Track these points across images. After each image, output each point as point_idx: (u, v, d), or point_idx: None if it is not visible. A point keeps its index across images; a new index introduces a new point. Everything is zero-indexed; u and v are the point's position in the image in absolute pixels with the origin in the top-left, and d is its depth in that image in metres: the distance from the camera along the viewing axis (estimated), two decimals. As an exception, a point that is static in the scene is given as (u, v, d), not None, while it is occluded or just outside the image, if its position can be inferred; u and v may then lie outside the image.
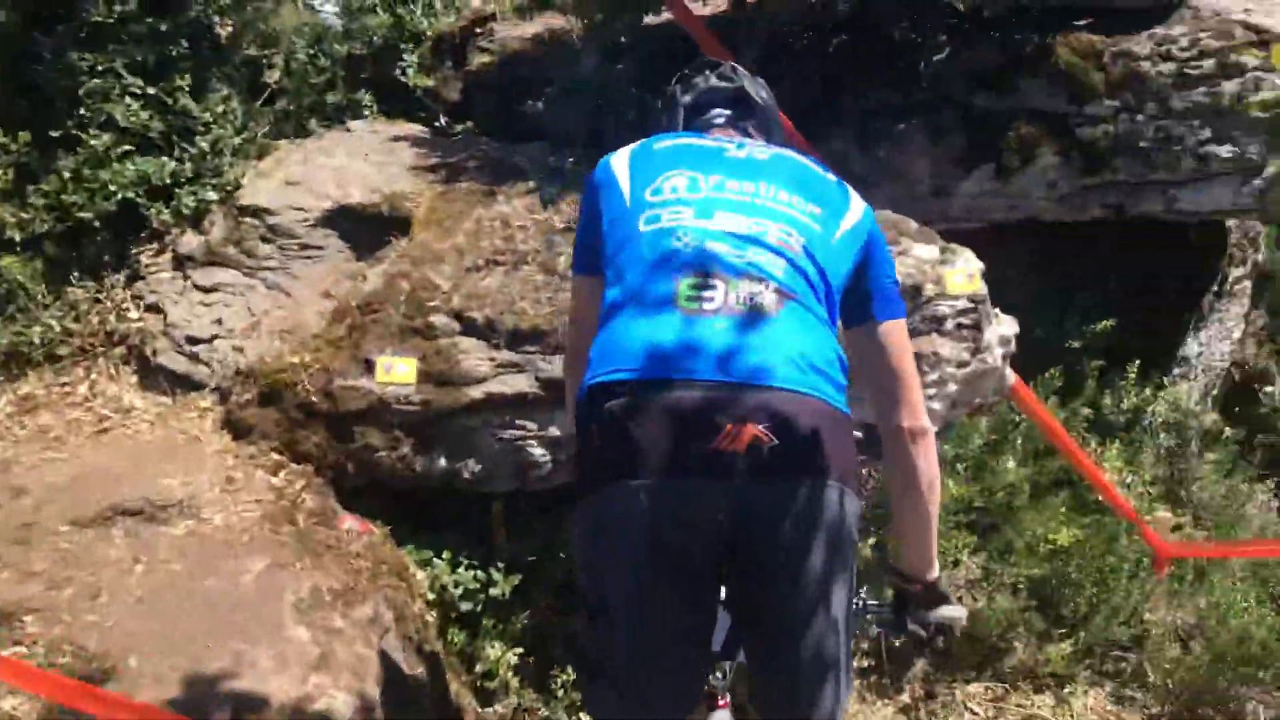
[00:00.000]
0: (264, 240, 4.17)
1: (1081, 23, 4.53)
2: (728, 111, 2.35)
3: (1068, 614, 4.35)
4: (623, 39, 4.61)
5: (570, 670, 3.60)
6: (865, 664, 4.24)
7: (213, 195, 4.24)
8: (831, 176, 2.21)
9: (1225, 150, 4.31)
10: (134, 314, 3.99)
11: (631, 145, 2.22)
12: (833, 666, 1.92)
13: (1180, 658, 4.28)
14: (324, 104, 5.41)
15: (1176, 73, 4.32)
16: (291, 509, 3.22)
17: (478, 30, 5.47)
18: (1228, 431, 5.16)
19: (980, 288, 3.62)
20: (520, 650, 3.60)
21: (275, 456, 3.43)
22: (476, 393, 3.40)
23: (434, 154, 4.57)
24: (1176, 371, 5.46)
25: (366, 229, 4.18)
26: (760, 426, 1.79)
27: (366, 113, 5.36)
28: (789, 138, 3.22)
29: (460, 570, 3.52)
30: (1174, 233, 5.07)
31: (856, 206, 2.17)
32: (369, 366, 3.45)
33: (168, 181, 4.16)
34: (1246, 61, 4.28)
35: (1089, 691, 4.33)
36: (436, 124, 5.25)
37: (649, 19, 4.73)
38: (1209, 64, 4.30)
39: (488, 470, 3.48)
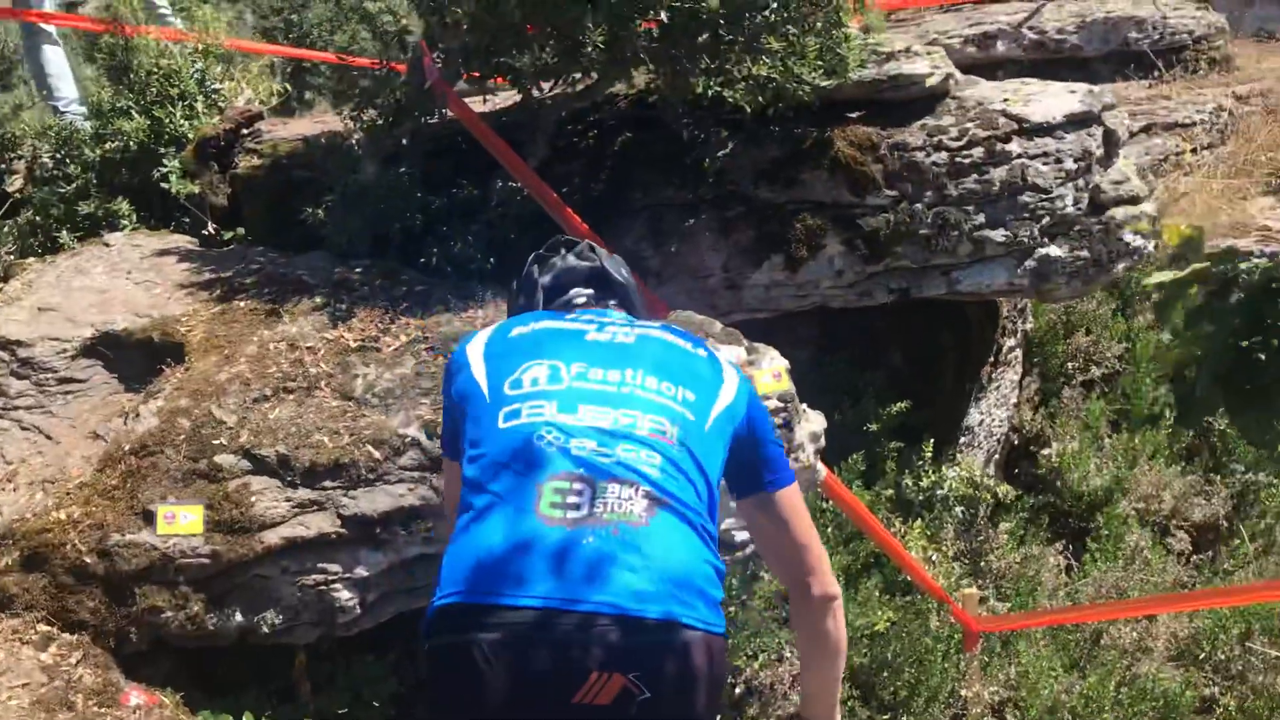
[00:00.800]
0: (16, 376, 3.78)
1: (855, 115, 4.67)
2: (589, 291, 2.30)
3: (888, 699, 4.38)
4: (403, 141, 4.43)
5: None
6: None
7: (-48, 328, 3.81)
8: (703, 352, 2.13)
9: (999, 234, 4.51)
10: None
11: (488, 330, 2.17)
12: None
13: (996, 737, 4.37)
14: (75, 214, 5.01)
15: (949, 161, 4.49)
16: (66, 690, 2.85)
17: (244, 131, 5.18)
18: (1011, 496, 5.37)
19: (788, 386, 3.62)
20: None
21: (43, 628, 3.04)
22: (273, 538, 3.12)
23: (205, 269, 4.26)
24: (962, 441, 5.65)
25: (134, 358, 3.84)
26: (630, 676, 1.64)
27: (125, 223, 4.98)
28: (652, 309, 3.16)
29: (263, 733, 3.22)
30: (950, 308, 5.28)
31: (730, 382, 2.08)
32: (148, 518, 3.12)
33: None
34: (1012, 149, 4.50)
35: (914, 774, 4.36)
36: (205, 232, 4.92)
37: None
38: (978, 152, 4.50)
39: (289, 621, 3.20)
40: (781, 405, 3.58)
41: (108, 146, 5.09)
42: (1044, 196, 4.54)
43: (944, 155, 4.53)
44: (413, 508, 3.22)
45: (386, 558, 3.24)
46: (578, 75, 4.37)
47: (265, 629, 3.18)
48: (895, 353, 5.32)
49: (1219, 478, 5.84)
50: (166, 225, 5.11)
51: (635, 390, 1.94)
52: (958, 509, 5.01)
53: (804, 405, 3.75)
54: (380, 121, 4.29)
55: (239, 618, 3.15)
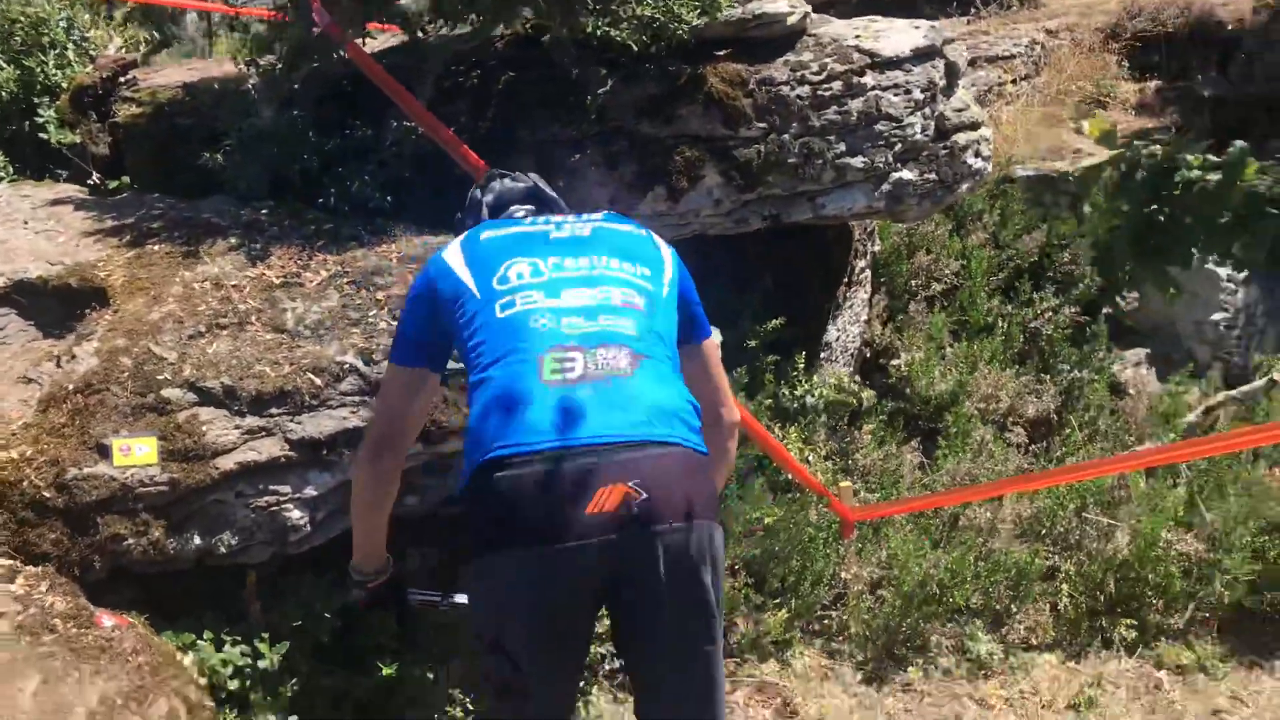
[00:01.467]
0: (-71, 327, 3.79)
1: (724, 53, 5.00)
2: (528, 205, 2.63)
3: (777, 585, 4.83)
4: (295, 86, 4.55)
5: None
6: (610, 665, 4.49)
7: None
8: (642, 231, 2.51)
9: (858, 161, 4.93)
10: None
11: (457, 239, 2.44)
12: (719, 684, 2.16)
13: (875, 607, 4.87)
14: (-51, 166, 4.93)
15: (811, 95, 4.88)
16: (43, 616, 2.98)
17: (121, 80, 5.17)
18: (872, 400, 5.88)
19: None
20: (294, 717, 3.55)
21: (5, 562, 3.15)
22: (227, 463, 3.31)
23: (107, 217, 4.31)
24: (823, 355, 6.12)
25: (50, 305, 3.90)
26: (630, 484, 1.99)
27: (1, 174, 4.94)
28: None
29: (227, 648, 3.41)
30: (811, 234, 5.71)
31: (667, 254, 2.48)
32: (104, 451, 3.25)
33: None
34: (867, 83, 4.92)
35: (804, 652, 4.82)
36: (90, 182, 4.93)
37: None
38: (837, 85, 4.90)
39: (244, 541, 3.40)
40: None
41: (-22, 97, 5.02)
42: (896, 125, 4.98)
43: (807, 89, 4.91)
44: (356, 429, 3.44)
45: (334, 477, 3.46)
46: (472, 16, 4.56)
47: (222, 550, 3.36)
48: (766, 276, 5.71)
49: (1048, 377, 6.49)
50: (42, 176, 5.09)
51: (604, 271, 2.29)
52: (824, 415, 5.48)
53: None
54: (280, 66, 4.39)
55: (197, 541, 3.33)
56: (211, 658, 3.37)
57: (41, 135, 4.89)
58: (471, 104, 4.98)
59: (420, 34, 4.75)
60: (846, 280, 6.22)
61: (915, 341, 6.47)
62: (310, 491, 3.42)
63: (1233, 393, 6.14)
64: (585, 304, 2.21)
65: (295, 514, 3.42)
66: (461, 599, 2.56)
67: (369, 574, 2.58)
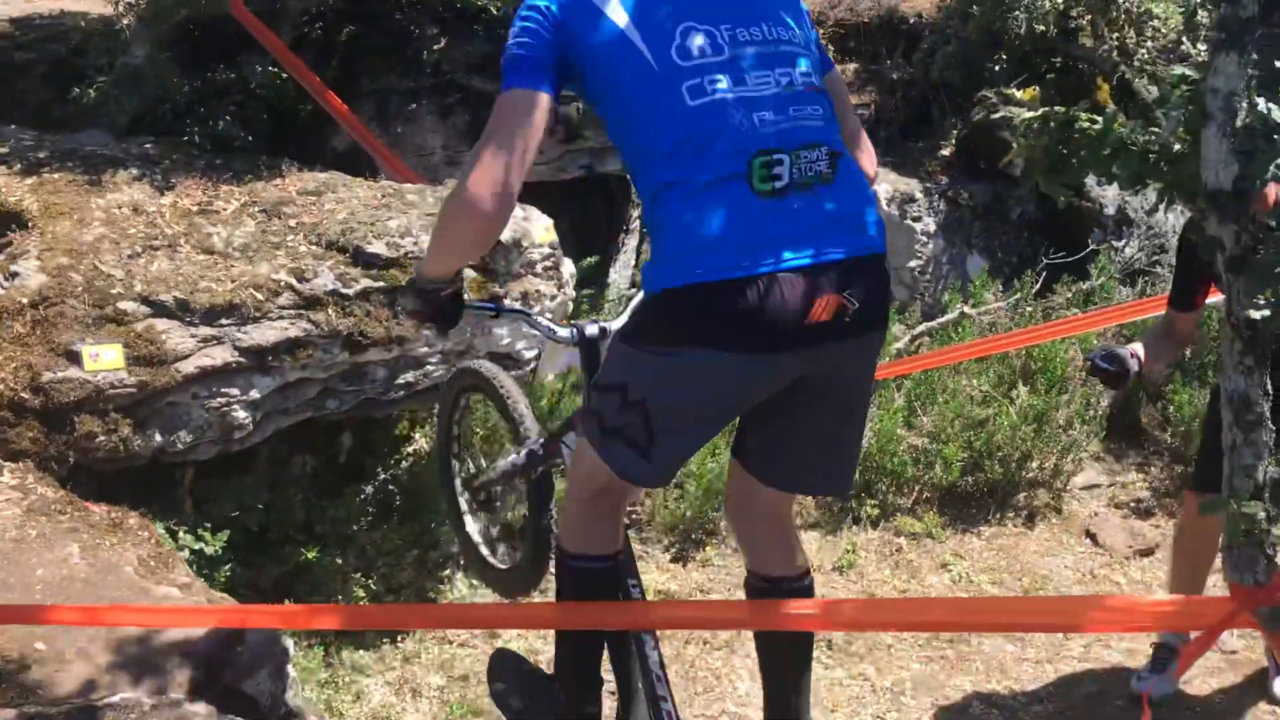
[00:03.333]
0: None
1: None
2: None
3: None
4: (162, 26, 4.80)
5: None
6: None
7: None
8: None
9: (660, 121, 5.76)
10: None
11: None
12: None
13: (678, 499, 5.76)
14: None
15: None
16: (45, 503, 3.30)
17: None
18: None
19: (554, 237, 4.65)
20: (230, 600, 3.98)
21: (-12, 459, 3.41)
22: (188, 367, 3.69)
23: (-19, 146, 4.43)
24: (606, 292, 6.95)
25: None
26: (844, 295, 2.05)
27: None
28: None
29: (181, 535, 3.79)
30: (599, 186, 6.50)
31: None
32: (73, 357, 3.55)
33: None
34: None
35: (621, 540, 5.65)
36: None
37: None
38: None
39: (196, 439, 3.79)
40: (551, 251, 4.62)
41: None
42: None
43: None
44: (295, 338, 3.90)
45: (274, 381, 3.91)
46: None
47: (179, 446, 3.75)
48: (564, 222, 6.43)
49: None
50: None
51: (777, 44, 2.16)
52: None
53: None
54: (165, 4, 4.64)
55: (158, 439, 3.70)
56: (166, 543, 3.75)
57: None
58: (315, 53, 5.38)
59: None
60: (625, 228, 7.06)
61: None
62: (254, 394, 3.86)
63: (931, 324, 7.50)
64: (773, 93, 2.10)
65: (241, 414, 3.84)
66: (514, 305, 2.77)
67: (441, 283, 2.43)
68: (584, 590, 2.46)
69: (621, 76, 2.10)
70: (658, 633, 2.51)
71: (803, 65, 2.18)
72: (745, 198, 2.03)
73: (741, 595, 4.93)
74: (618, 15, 2.08)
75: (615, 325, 2.68)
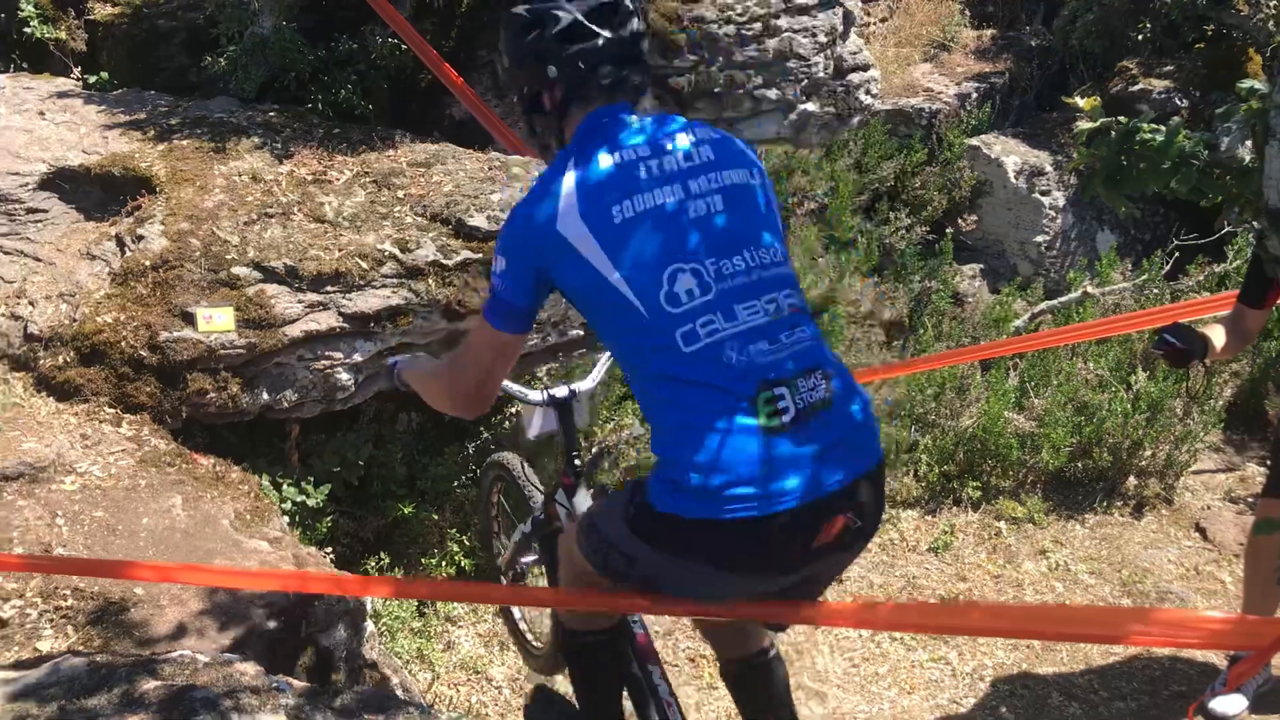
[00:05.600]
0: (-18, 207, 4.18)
1: (659, -10, 5.71)
2: (620, 72, 2.26)
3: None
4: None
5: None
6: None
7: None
8: (755, 177, 2.27)
9: (772, 93, 5.76)
10: None
11: (563, 180, 2.14)
12: None
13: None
14: (-70, 56, 5.17)
15: (736, 34, 5.66)
16: (155, 455, 3.56)
17: (97, -21, 5.47)
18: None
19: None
20: (330, 550, 4.21)
21: (110, 410, 3.69)
22: (295, 331, 3.90)
23: (118, 111, 4.72)
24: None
25: (92, 191, 4.34)
26: (848, 515, 2.10)
27: (-19, 65, 5.21)
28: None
29: (285, 488, 4.04)
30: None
31: (754, 163, 2.28)
32: (188, 318, 3.80)
33: None
34: (782, 25, 5.73)
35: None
36: (72, 77, 5.26)
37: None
38: (757, 26, 5.69)
39: (301, 398, 4.01)
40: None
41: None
42: (804, 63, 5.82)
43: (732, 28, 5.69)
44: (396, 306, 4.07)
45: (375, 346, 4.09)
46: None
47: (284, 405, 3.97)
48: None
49: (900, 286, 7.55)
50: (8, 68, 5.36)
51: (764, 271, 2.14)
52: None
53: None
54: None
55: (265, 397, 3.93)
56: (271, 494, 4.00)
57: (25, 29, 5.17)
58: (438, 23, 5.53)
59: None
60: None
61: (793, 252, 7.39)
62: (357, 358, 4.05)
63: (1052, 302, 7.33)
64: (764, 322, 2.09)
65: (344, 376, 4.05)
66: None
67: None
68: (589, 663, 2.60)
69: (612, 318, 2.13)
70: (663, 664, 2.69)
71: (785, 288, 2.17)
72: (754, 434, 2.03)
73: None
74: (602, 263, 2.09)
75: (584, 387, 2.88)
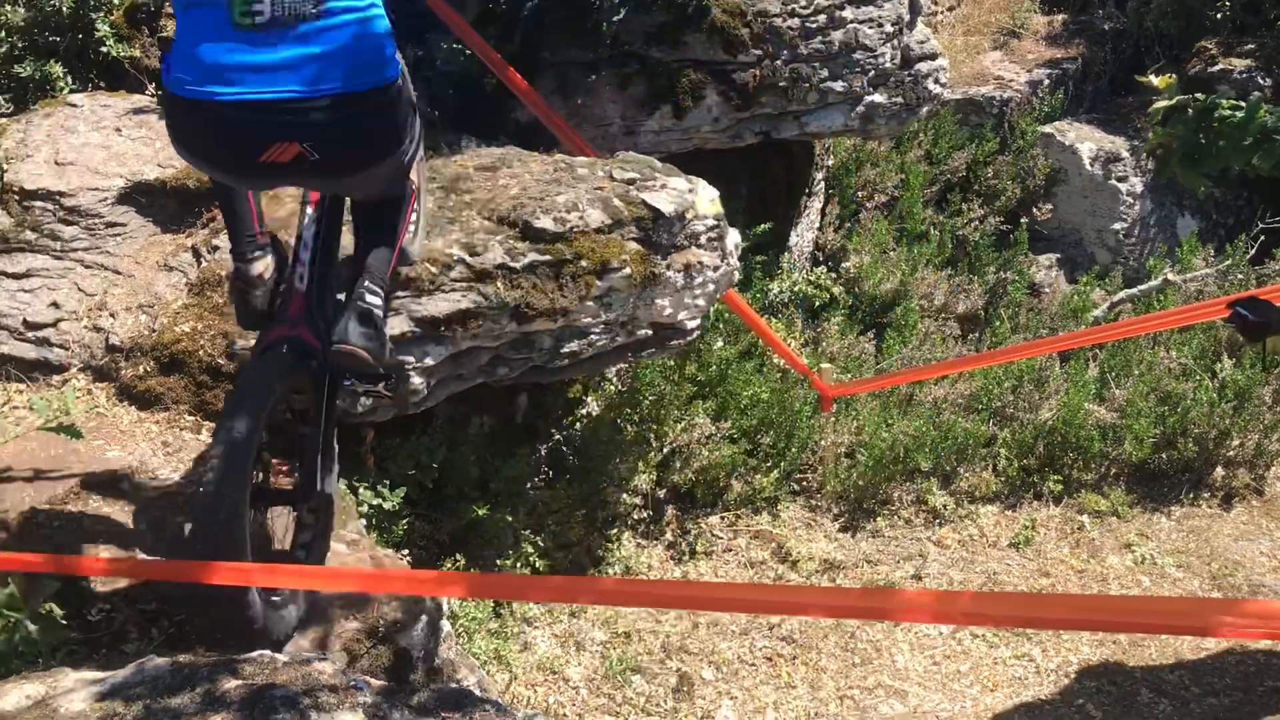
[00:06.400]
0: (64, 223, 4.29)
1: (724, -14, 5.68)
2: None
3: (769, 452, 5.67)
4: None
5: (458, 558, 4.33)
6: (637, 515, 5.29)
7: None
8: None
9: (839, 85, 5.70)
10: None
11: None
12: None
13: (849, 468, 5.76)
14: (13, 78, 5.31)
15: (800, 26, 5.61)
16: (236, 459, 3.62)
17: (169, -3, 5.58)
18: (843, 295, 6.73)
19: (721, 209, 4.69)
20: (406, 553, 4.25)
21: (190, 418, 3.76)
22: (367, 337, 3.94)
23: (194, 125, 4.81)
24: (785, 257, 6.95)
25: (167, 204, 4.43)
26: (304, 144, 2.24)
27: (61, 85, 5.34)
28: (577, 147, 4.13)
29: (361, 492, 4.08)
30: (781, 149, 6.47)
31: None
32: (264, 327, 3.85)
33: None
34: (847, 16, 5.67)
35: (791, 506, 5.71)
36: (147, 94, 5.37)
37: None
38: (822, 19, 5.63)
39: (376, 402, 4.05)
40: (716, 223, 4.66)
41: (35, 12, 5.37)
42: (870, 54, 5.76)
43: (796, 21, 5.64)
44: (465, 310, 4.09)
45: (446, 350, 4.12)
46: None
47: (359, 410, 4.01)
48: (743, 186, 6.46)
49: (975, 278, 7.43)
50: (88, 88, 5.49)
51: None
52: (798, 308, 6.31)
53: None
54: None
55: (338, 402, 3.97)
56: (347, 498, 4.05)
57: (102, 49, 5.29)
58: (500, 27, 5.56)
59: (461, -36, 5.30)
60: (807, 191, 7.03)
61: (863, 246, 7.32)
62: (429, 361, 4.08)
63: (1132, 291, 7.16)
64: None
65: (416, 380, 4.08)
66: None
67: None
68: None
69: None
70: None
71: None
72: (221, 26, 2.19)
73: (910, 567, 4.90)
74: None
75: None
